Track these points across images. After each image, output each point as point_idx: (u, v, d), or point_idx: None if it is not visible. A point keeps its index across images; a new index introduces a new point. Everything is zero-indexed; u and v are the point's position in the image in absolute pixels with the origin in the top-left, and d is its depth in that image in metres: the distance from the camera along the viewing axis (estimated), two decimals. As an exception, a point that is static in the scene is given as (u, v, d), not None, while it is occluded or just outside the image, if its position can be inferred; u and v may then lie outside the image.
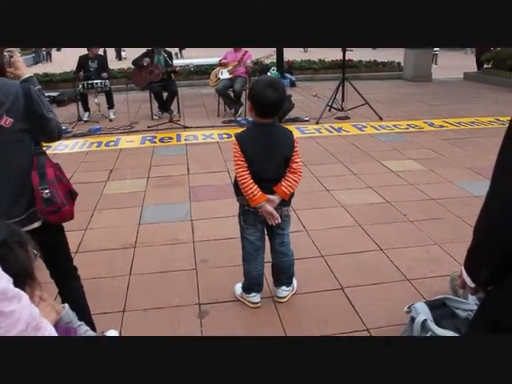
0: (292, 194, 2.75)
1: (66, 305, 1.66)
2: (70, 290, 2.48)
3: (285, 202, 2.74)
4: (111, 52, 23.23)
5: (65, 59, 22.81)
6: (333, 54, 14.78)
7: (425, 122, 7.91)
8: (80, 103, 8.61)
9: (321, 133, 7.38)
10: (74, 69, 9.06)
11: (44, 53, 29.45)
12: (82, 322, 1.69)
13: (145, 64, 8.26)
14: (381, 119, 8.12)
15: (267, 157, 2.62)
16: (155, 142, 7.08)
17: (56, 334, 1.30)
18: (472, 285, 1.46)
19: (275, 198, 2.67)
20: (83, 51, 8.73)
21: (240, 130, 2.92)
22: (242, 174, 2.63)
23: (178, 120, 8.28)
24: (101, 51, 9.45)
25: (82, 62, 8.61)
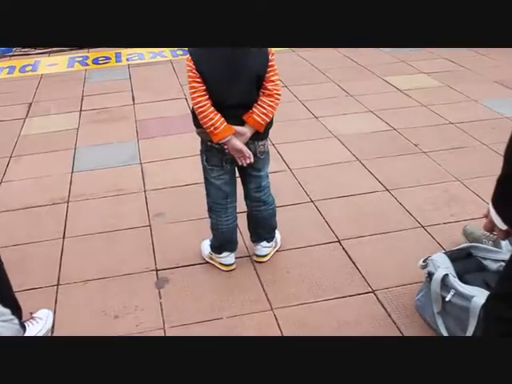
0: (269, 124, 2.70)
1: None
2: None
3: (259, 135, 2.69)
4: None
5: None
6: None
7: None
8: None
9: (305, 43, 7.27)
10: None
11: None
12: (13, 317, 1.67)
13: None
14: (383, 22, 8.03)
15: (232, 75, 2.54)
16: (87, 65, 6.92)
17: None
18: (503, 226, 1.47)
19: (246, 130, 2.62)
20: None
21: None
22: (199, 100, 2.57)
23: (116, 33, 8.08)
24: None
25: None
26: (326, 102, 5.20)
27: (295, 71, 6.02)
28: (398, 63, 6.26)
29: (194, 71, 2.55)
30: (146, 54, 7.18)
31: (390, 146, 4.28)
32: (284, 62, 5.72)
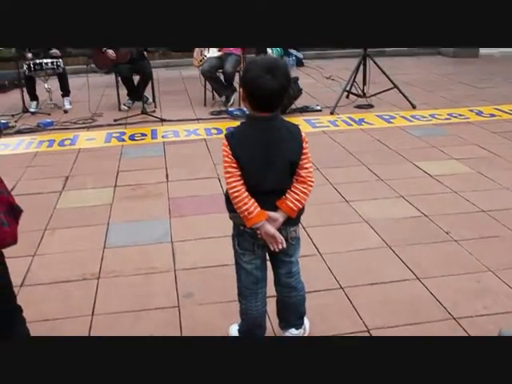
0: (301, 210, 2.72)
1: None
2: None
3: (291, 221, 2.71)
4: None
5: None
6: (351, 24, 14.82)
7: (471, 111, 7.92)
8: (25, 89, 8.61)
9: (337, 126, 7.38)
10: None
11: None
12: None
13: (111, 55, 8.25)
14: (414, 107, 8.13)
15: (267, 162, 2.58)
16: (124, 140, 7.08)
17: None
18: None
19: (278, 216, 2.64)
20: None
21: (233, 123, 2.92)
22: (234, 184, 2.60)
23: (154, 111, 8.29)
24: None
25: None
26: (357, 186, 5.22)
27: (327, 154, 6.08)
28: (429, 148, 6.29)
29: (231, 156, 2.59)
30: (181, 131, 7.34)
31: (420, 233, 4.24)
32: (316, 144, 5.78)
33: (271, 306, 3.01)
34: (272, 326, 3.10)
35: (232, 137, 2.63)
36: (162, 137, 7.16)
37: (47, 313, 3.34)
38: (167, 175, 5.70)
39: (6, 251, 2.39)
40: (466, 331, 3.07)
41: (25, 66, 8.40)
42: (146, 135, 7.27)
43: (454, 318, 3.19)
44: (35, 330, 2.57)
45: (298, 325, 2.99)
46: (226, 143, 2.61)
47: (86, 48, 7.64)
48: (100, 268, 3.90)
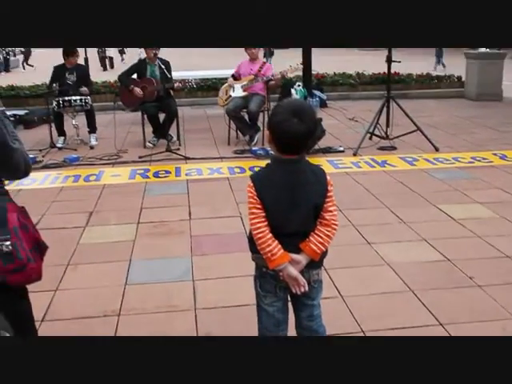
0: (324, 254, 2.70)
1: None
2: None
3: (314, 264, 2.68)
4: (94, 60, 23.73)
5: (37, 68, 23.32)
6: (374, 66, 14.93)
7: (495, 154, 7.88)
8: (54, 125, 8.76)
9: (360, 167, 7.38)
10: (47, 81, 9.28)
11: (9, 57, 30.51)
12: None
13: (138, 93, 8.38)
14: (437, 150, 8.11)
15: (291, 205, 2.58)
16: (148, 177, 7.13)
17: None
18: None
19: (301, 259, 2.62)
20: (59, 59, 8.90)
21: (256, 162, 2.92)
22: (259, 226, 2.60)
23: (178, 149, 8.36)
24: (81, 60, 9.64)
25: (58, 73, 8.81)
26: (380, 228, 5.19)
27: (349, 195, 6.06)
28: (452, 191, 6.25)
29: (256, 197, 2.59)
30: (205, 169, 7.38)
31: (443, 277, 4.19)
32: (338, 185, 5.75)
33: (292, 349, 2.98)
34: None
35: (257, 178, 2.65)
36: (186, 174, 7.20)
37: (67, 349, 3.33)
38: (190, 213, 5.71)
39: (30, 286, 2.40)
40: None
41: (54, 103, 8.53)
42: (170, 173, 7.32)
43: (478, 367, 3.13)
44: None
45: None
46: (252, 184, 2.61)
47: (85, 47, 7.63)
48: (121, 305, 3.89)
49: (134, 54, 26.87)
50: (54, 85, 8.66)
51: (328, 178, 2.68)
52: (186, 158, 7.93)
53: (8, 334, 1.37)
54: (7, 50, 31.91)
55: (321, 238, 2.62)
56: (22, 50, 41.09)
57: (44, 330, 3.40)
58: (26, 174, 2.36)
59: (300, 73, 11.69)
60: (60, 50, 8.86)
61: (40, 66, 22.42)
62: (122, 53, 28.06)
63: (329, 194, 2.64)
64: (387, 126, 8.45)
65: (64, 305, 3.91)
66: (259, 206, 2.60)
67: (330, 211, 2.65)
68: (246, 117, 8.68)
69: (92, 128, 8.97)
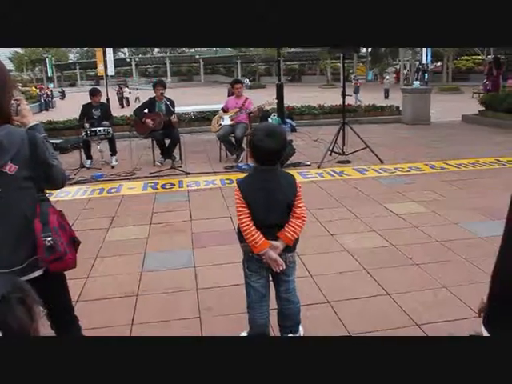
0: (297, 240, 2.71)
1: None
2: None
3: (289, 248, 2.70)
4: (113, 99, 23.62)
5: (67, 106, 23.09)
6: (333, 99, 15.01)
7: (426, 164, 7.94)
8: (83, 150, 8.70)
9: (323, 177, 7.40)
10: (77, 116, 9.24)
11: (49, 99, 30.37)
12: None
13: (150, 124, 8.35)
14: (382, 162, 8.16)
15: (269, 203, 2.60)
16: (157, 189, 7.09)
17: None
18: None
19: (279, 244, 2.64)
20: (85, 98, 8.85)
21: (242, 175, 2.92)
22: (244, 220, 2.61)
23: (180, 166, 8.33)
24: (103, 99, 9.61)
25: (86, 109, 8.78)
26: (340, 223, 5.20)
27: (315, 198, 6.07)
28: (395, 193, 6.28)
29: (241, 199, 2.61)
30: (202, 182, 7.36)
31: (389, 259, 4.21)
32: (307, 191, 5.76)
33: (273, 317, 2.98)
34: (273, 331, 3.05)
35: (242, 183, 2.67)
36: (187, 186, 7.17)
37: (95, 322, 3.29)
38: (191, 215, 5.69)
39: (67, 274, 2.38)
40: (426, 334, 3.01)
41: (83, 133, 8.49)
42: (174, 185, 7.29)
43: (417, 325, 3.14)
44: (87, 335, 2.54)
45: (295, 330, 2.94)
46: (238, 188, 2.64)
47: (85, 47, 7.44)
48: (138, 287, 3.86)
49: (142, 96, 26.65)
50: (86, 122, 8.59)
51: (297, 181, 2.70)
52: (187, 173, 7.90)
53: (42, 309, 1.28)
54: (47, 92, 31.65)
55: (294, 227, 2.63)
56: (60, 91, 40.80)
57: (79, 309, 3.35)
58: (62, 185, 2.36)
59: (275, 106, 11.77)
60: (87, 93, 8.84)
61: (71, 104, 22.21)
62: (137, 98, 27.98)
63: (298, 194, 2.66)
64: (343, 144, 8.50)
65: (94, 288, 3.87)
66: (244, 205, 2.61)
67: (300, 207, 2.66)
68: (234, 140, 8.69)
69: (113, 151, 8.91)
